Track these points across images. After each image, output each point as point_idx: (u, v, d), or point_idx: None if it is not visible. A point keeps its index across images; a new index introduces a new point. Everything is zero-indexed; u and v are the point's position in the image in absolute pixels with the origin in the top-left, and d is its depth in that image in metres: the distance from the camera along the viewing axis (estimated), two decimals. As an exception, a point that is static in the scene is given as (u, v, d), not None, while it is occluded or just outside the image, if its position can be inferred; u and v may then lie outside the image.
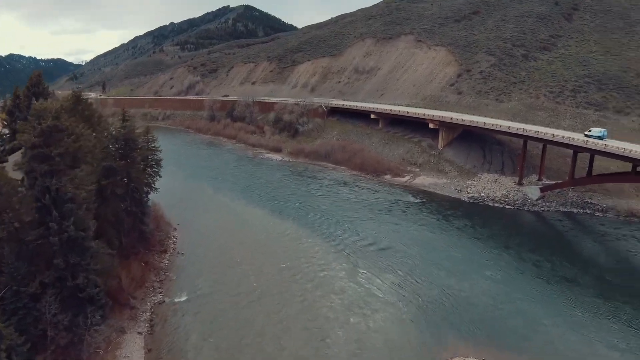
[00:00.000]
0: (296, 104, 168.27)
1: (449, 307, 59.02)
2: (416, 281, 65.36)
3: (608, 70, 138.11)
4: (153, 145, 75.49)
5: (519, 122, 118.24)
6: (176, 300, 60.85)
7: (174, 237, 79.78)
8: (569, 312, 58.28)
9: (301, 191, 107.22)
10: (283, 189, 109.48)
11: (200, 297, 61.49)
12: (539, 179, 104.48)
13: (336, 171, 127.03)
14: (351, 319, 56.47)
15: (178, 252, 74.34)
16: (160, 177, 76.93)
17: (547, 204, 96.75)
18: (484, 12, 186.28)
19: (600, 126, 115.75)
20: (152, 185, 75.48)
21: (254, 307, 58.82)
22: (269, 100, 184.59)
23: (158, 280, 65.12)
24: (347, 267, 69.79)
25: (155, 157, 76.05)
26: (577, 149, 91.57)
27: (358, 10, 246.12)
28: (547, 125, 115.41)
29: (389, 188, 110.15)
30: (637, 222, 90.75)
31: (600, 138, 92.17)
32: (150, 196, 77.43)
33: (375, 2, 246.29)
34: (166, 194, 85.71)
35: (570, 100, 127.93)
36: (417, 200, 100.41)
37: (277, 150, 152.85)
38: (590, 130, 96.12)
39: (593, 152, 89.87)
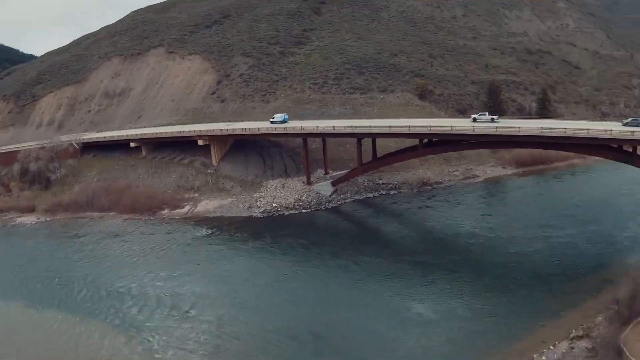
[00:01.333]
0: (42, 147, 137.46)
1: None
2: (232, 346, 49.90)
3: (365, 55, 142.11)
4: None
5: (290, 120, 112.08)
6: None
7: None
8: (413, 317, 51.07)
9: (60, 260, 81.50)
10: (38, 262, 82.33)
11: None
12: (326, 173, 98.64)
13: (104, 220, 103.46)
14: None
15: None
16: None
17: (342, 196, 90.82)
18: (235, 15, 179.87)
19: (369, 107, 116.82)
20: None
21: None
22: (10, 150, 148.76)
23: None
24: (141, 349, 51.42)
25: None
26: (360, 136, 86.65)
27: (102, 28, 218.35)
28: (319, 117, 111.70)
29: (168, 225, 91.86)
30: (430, 189, 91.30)
31: (283, 122, 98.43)
32: None
33: (120, 18, 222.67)
34: None
35: (336, 88, 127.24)
36: (205, 232, 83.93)
37: (30, 209, 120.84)
38: (274, 117, 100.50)
39: (375, 136, 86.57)
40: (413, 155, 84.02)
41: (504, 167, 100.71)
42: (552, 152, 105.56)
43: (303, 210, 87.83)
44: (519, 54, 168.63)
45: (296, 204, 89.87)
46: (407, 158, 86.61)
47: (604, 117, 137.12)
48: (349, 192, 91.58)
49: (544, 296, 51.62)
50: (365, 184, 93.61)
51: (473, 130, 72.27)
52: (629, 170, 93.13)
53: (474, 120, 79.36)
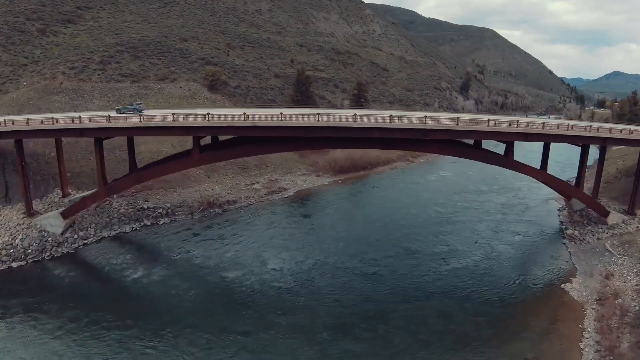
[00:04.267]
0: None
1: None
2: None
3: (145, 37, 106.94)
4: None
5: (28, 113, 72.72)
6: None
7: None
8: None
9: None
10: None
11: None
12: (64, 196, 61.43)
13: None
14: None
15: None
16: None
17: (82, 233, 54.52)
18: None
19: (140, 99, 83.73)
20: None
21: None
22: None
23: None
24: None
25: None
26: (77, 134, 52.56)
27: None
28: (71, 110, 74.45)
29: None
30: (219, 213, 61.57)
31: None
32: None
33: None
34: None
35: (99, 74, 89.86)
36: None
37: None
38: None
39: (110, 134, 54.03)
40: (186, 163, 52.05)
41: (318, 176, 75.35)
42: (372, 155, 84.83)
43: (14, 264, 48.73)
44: (326, 53, 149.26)
45: (4, 252, 50.84)
46: (179, 169, 54.34)
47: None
48: (93, 225, 55.75)
49: None
50: (122, 210, 58.89)
51: (281, 121, 43.49)
52: (447, 167, 77.53)
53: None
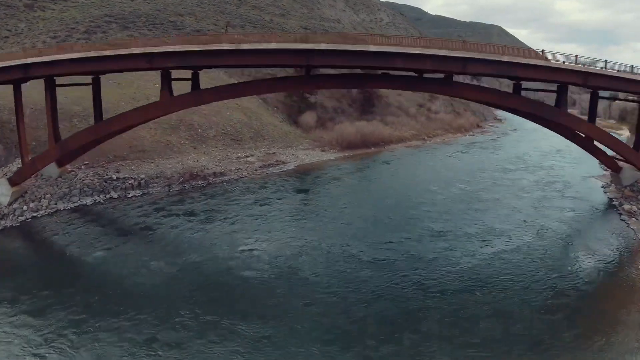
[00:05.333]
0: None
1: None
2: None
3: (137, 9, 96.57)
4: None
5: None
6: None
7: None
8: None
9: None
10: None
11: None
12: (25, 163, 50.57)
13: None
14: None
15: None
16: None
17: (33, 205, 43.55)
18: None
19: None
20: None
21: None
22: None
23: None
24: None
25: None
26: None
27: None
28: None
29: None
30: (202, 186, 50.36)
31: None
32: None
33: None
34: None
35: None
36: None
37: None
38: None
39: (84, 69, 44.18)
40: (152, 110, 41.34)
41: (323, 150, 64.44)
42: (385, 133, 73.57)
43: (-53, 238, 38.77)
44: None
45: (-64, 226, 40.37)
46: (145, 116, 43.58)
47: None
48: (47, 196, 44.71)
49: None
50: (87, 180, 47.84)
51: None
52: (466, 147, 66.78)
53: None
